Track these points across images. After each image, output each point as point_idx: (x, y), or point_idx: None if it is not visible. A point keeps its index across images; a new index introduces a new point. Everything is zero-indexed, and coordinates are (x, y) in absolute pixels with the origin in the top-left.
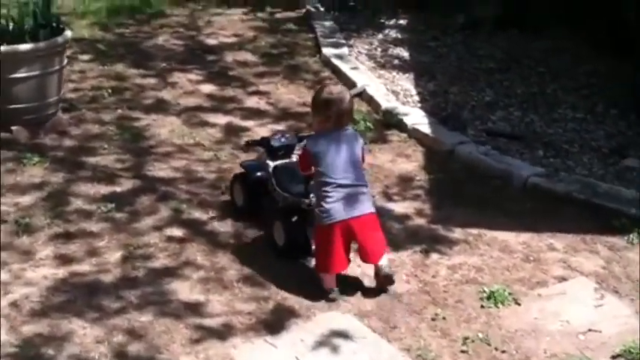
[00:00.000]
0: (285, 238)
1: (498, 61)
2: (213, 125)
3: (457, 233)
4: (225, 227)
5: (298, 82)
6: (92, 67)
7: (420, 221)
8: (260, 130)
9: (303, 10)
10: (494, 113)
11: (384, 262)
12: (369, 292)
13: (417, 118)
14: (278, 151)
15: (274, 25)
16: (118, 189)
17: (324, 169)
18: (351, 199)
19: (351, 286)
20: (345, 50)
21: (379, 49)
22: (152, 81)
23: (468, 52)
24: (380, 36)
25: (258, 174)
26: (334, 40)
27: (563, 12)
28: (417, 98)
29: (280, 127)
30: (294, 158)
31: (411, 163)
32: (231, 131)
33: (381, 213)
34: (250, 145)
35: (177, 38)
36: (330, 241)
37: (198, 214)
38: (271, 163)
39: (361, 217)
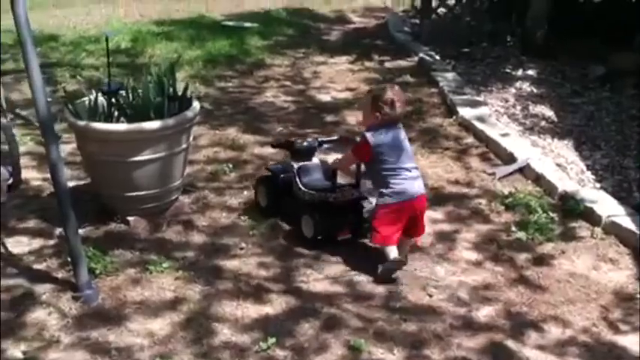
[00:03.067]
0: (314, 230)
1: None
2: None
3: None
4: None
5: (439, 152)
6: (203, 132)
7: None
8: None
9: (415, 59)
10: None
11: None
12: None
13: (608, 207)
14: (301, 153)
15: (389, 77)
16: (269, 310)
17: (388, 158)
18: (413, 182)
19: None
20: (485, 110)
21: (518, 107)
22: (272, 150)
23: (621, 112)
24: (512, 90)
25: (283, 175)
26: (466, 97)
27: None
28: (590, 175)
29: (439, 214)
30: (315, 160)
31: (621, 271)
32: None
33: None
34: (276, 147)
35: (286, 93)
36: (396, 217)
37: (381, 353)
38: (295, 164)
39: (421, 196)
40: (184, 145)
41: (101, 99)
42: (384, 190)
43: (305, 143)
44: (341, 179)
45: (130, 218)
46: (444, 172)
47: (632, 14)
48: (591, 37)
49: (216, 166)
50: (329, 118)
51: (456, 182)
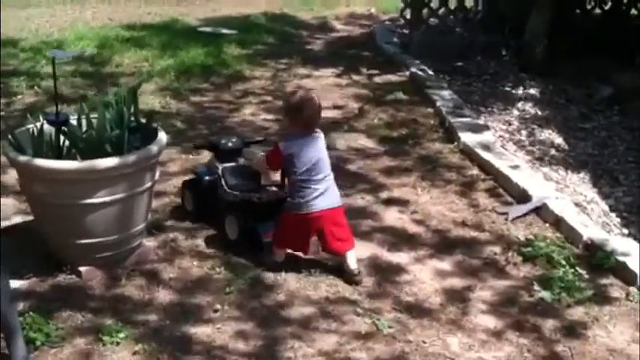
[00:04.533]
0: (238, 232)
1: None
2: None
3: None
4: None
5: (442, 185)
6: (173, 157)
7: None
8: (421, 270)
9: (407, 73)
10: None
11: (353, 265)
12: None
13: None
14: (226, 155)
15: (379, 94)
16: None
17: (298, 168)
18: (323, 193)
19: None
20: (488, 136)
21: (523, 132)
22: None
23: (635, 139)
24: (515, 111)
25: (208, 178)
26: (467, 119)
27: None
28: (615, 218)
29: (446, 264)
30: (241, 161)
31: None
32: (381, 274)
33: None
34: (199, 148)
35: (267, 111)
36: (301, 229)
37: None
38: (220, 166)
39: (333, 209)
40: (148, 184)
41: (48, 127)
42: (290, 199)
43: (230, 144)
44: (267, 180)
45: (82, 269)
46: (449, 211)
47: (634, 31)
48: (591, 55)
49: None
50: None
51: (464, 224)
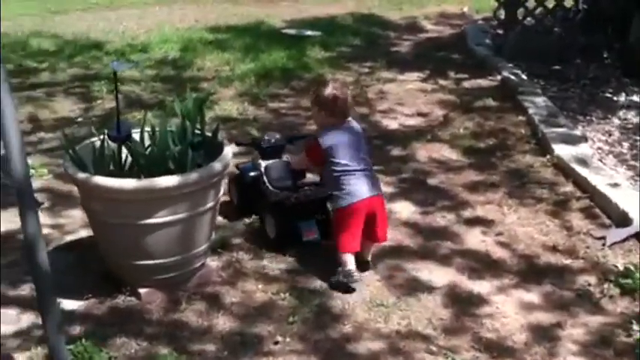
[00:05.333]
0: (277, 230)
1: None
2: (429, 289)
3: None
4: None
5: (531, 204)
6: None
7: None
8: (505, 302)
9: (498, 78)
10: None
11: (369, 257)
12: None
13: None
14: (269, 152)
15: (466, 100)
16: None
17: (340, 159)
18: (366, 182)
19: None
20: (585, 149)
21: (624, 144)
22: None
23: None
24: (615, 120)
25: (251, 174)
26: (562, 129)
27: None
28: None
29: (533, 296)
30: (285, 157)
31: None
32: (459, 305)
33: None
34: (240, 145)
35: None
36: (353, 220)
37: None
38: (263, 163)
39: (377, 197)
40: (211, 203)
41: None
42: (336, 193)
43: (272, 140)
44: (317, 176)
45: (141, 291)
46: (539, 234)
47: None
48: None
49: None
50: (395, 151)
51: (554, 249)
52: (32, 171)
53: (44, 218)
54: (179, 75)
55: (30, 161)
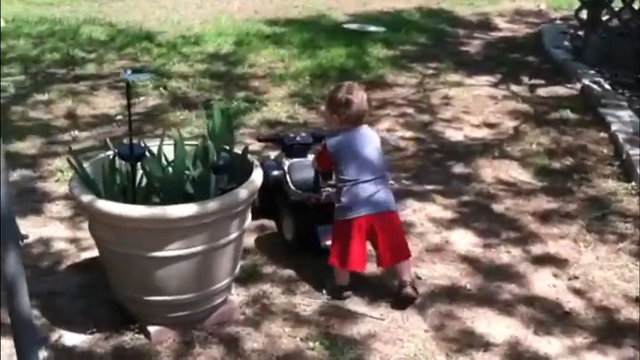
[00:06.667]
0: (294, 233)
1: None
2: (486, 345)
3: None
4: None
5: (612, 241)
6: None
7: None
8: None
9: (578, 86)
10: None
11: (406, 277)
12: None
13: None
14: (293, 150)
15: (541, 110)
16: None
17: (343, 166)
18: (371, 196)
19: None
20: None
21: None
22: None
23: None
24: None
25: (275, 172)
26: None
27: None
28: None
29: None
30: (310, 157)
31: None
32: None
33: None
34: (264, 141)
35: (406, 126)
36: (349, 236)
37: None
38: (287, 161)
39: (382, 214)
40: (234, 234)
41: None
42: (337, 204)
43: (298, 138)
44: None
45: (151, 329)
46: (619, 280)
47: None
48: None
49: None
50: (456, 168)
51: (638, 301)
52: (59, 174)
53: (64, 230)
54: (229, 71)
55: (59, 163)
